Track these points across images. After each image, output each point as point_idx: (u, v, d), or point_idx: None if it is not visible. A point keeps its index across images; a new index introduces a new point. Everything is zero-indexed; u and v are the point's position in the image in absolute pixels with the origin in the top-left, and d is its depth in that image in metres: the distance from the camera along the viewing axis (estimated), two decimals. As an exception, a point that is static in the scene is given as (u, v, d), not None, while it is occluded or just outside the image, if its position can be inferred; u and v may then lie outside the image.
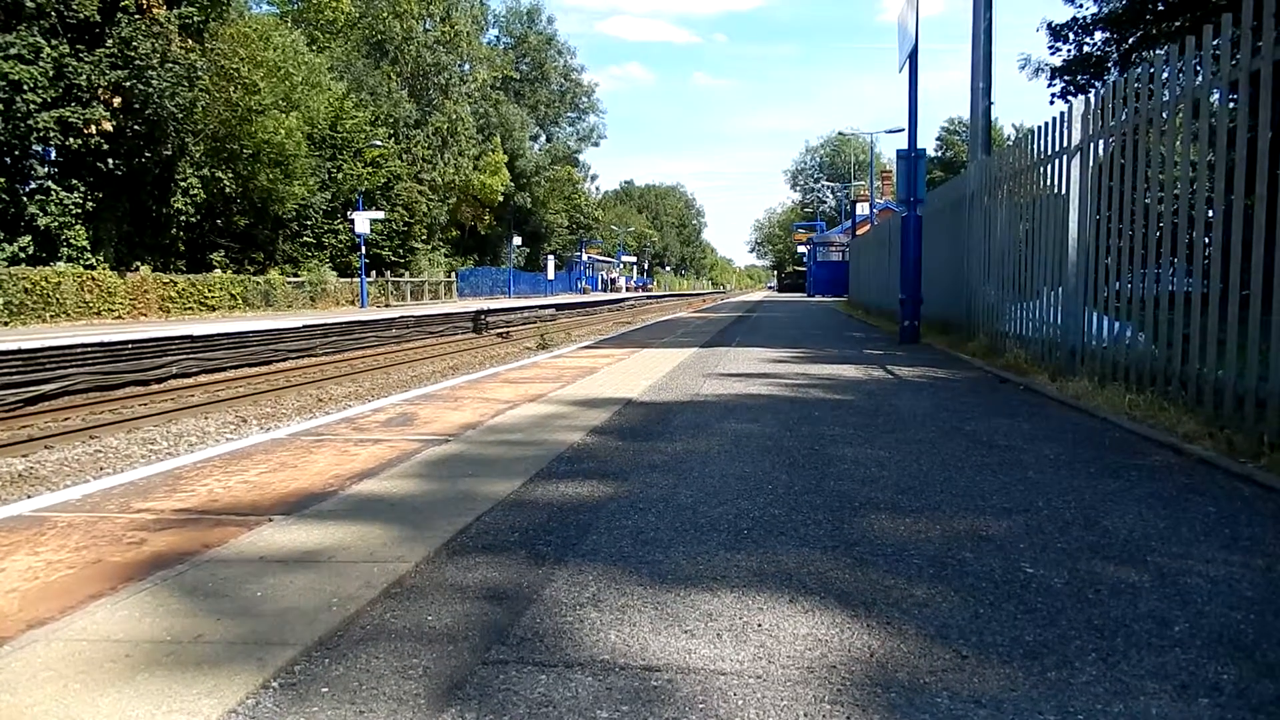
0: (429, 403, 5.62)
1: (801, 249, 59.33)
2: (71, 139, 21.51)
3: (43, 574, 2.30)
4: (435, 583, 2.21)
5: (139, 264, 23.81)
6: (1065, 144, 6.36)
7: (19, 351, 10.95)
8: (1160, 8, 16.26)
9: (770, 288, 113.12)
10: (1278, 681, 1.65)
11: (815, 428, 4.43)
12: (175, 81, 22.78)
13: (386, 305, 33.70)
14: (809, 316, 19.11)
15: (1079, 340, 6.06)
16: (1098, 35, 18.26)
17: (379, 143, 36.60)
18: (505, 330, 26.23)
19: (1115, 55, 17.53)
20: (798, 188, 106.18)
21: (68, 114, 21.04)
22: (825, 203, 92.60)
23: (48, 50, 20.67)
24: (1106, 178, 5.76)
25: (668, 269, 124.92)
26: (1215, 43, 4.48)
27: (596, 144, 75.47)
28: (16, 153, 21.09)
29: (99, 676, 1.69)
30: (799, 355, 8.85)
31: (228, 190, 27.54)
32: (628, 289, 79.77)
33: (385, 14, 47.97)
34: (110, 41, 21.89)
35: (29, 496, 5.01)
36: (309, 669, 1.73)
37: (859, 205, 40.02)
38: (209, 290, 25.00)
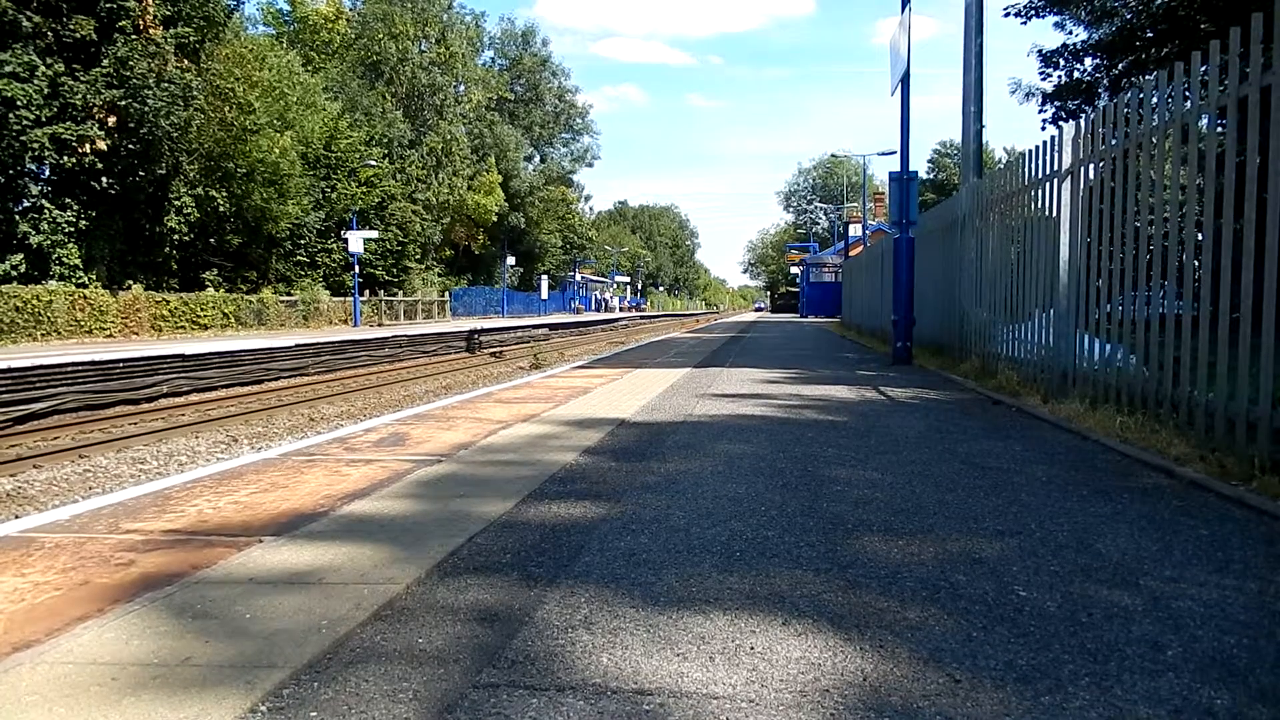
0: (421, 422, 5.60)
1: (794, 270, 59.51)
2: (65, 157, 21.50)
3: (29, 595, 2.28)
4: (426, 604, 2.20)
5: (131, 282, 23.75)
6: (1056, 167, 6.41)
7: (8, 370, 10.90)
8: (1149, 35, 16.42)
9: (758, 308, 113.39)
10: (1271, 706, 1.65)
11: (808, 449, 4.43)
12: (170, 101, 22.82)
13: (380, 324, 33.67)
14: (802, 337, 19.15)
15: (1070, 362, 6.08)
16: (1088, 61, 18.41)
17: (373, 162, 36.69)
18: (499, 350, 26.22)
19: (1105, 81, 17.67)
20: (791, 209, 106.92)
21: (62, 132, 21.04)
22: (818, 224, 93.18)
23: (43, 69, 20.70)
24: (1097, 201, 5.80)
25: (661, 289, 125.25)
26: (1204, 69, 4.53)
27: (590, 164, 75.86)
28: (10, 171, 21.05)
29: (85, 700, 1.67)
30: (792, 376, 8.86)
31: (221, 209, 27.51)
32: (621, 309, 79.96)
33: (381, 35, 48.25)
34: (106, 61, 21.92)
35: (16, 517, 4.97)
36: (298, 692, 1.71)
37: (852, 226, 40.19)
38: (201, 309, 24.93)
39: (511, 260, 59.98)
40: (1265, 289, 3.76)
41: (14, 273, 21.06)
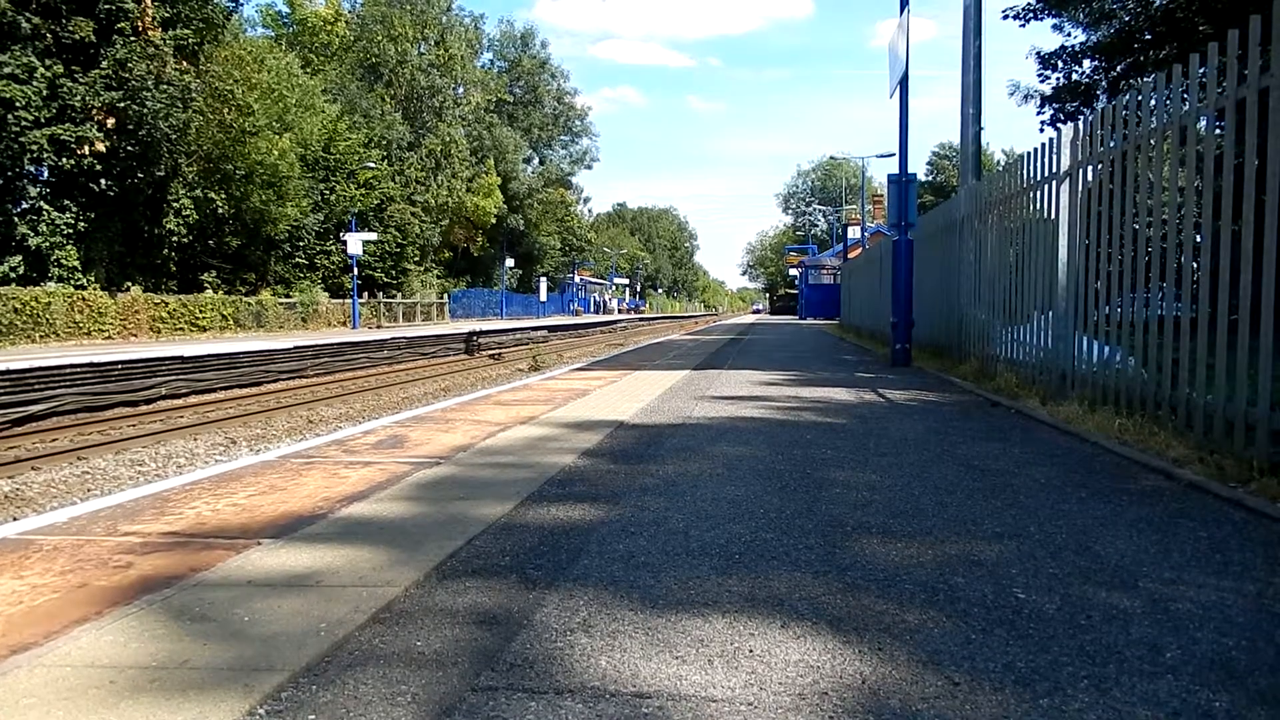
0: (420, 425, 5.60)
1: (793, 271, 59.51)
2: (64, 159, 21.50)
3: (27, 598, 2.28)
4: (425, 607, 2.20)
5: (130, 284, 23.73)
6: (1055, 169, 6.42)
7: (7, 372, 10.88)
8: (1148, 37, 16.44)
9: (756, 310, 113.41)
10: (1270, 709, 1.65)
11: (807, 451, 4.43)
12: (169, 103, 22.82)
13: (379, 326, 33.66)
14: (801, 339, 19.14)
15: (1069, 364, 6.09)
16: (1086, 64, 18.44)
17: (372, 164, 36.65)
18: (497, 352, 26.22)
19: (1104, 83, 17.68)
20: (790, 211, 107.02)
21: (61, 133, 21.04)
22: (817, 226, 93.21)
23: (42, 70, 20.69)
24: (1095, 203, 5.80)
25: (660, 291, 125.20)
26: (1202, 71, 4.54)
27: (589, 166, 75.77)
28: (9, 173, 21.04)
29: (83, 703, 1.67)
30: (791, 378, 8.86)
31: (220, 211, 27.49)
32: (620, 311, 79.99)
33: (380, 37, 48.23)
34: (105, 63, 21.93)
35: (15, 519, 4.96)
36: (296, 695, 1.71)
37: (850, 228, 40.21)
38: (200, 311, 24.92)
39: (510, 262, 59.99)
40: (1263, 291, 3.77)
41: (12, 274, 21.06)
